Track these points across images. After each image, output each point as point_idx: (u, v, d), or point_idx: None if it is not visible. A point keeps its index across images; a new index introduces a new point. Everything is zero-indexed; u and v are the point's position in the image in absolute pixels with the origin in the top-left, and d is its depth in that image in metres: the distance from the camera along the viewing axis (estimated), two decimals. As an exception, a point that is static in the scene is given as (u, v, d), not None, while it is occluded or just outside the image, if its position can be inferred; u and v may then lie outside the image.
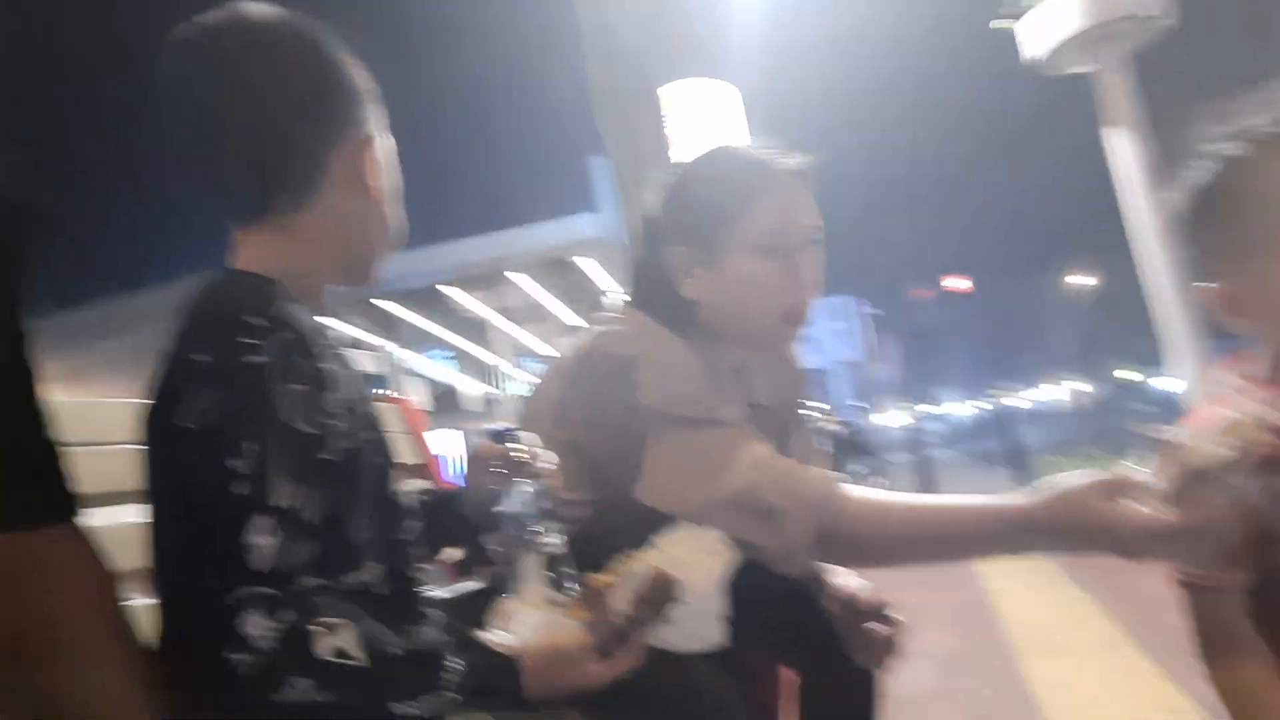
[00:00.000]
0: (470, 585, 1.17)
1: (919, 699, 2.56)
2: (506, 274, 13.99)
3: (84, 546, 0.73)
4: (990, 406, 7.43)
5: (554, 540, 1.03)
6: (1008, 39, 4.30)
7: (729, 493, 1.09)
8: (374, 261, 0.99)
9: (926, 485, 7.41)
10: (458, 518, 1.12)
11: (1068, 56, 4.15)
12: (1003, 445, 7.36)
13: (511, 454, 1.07)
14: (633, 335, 1.21)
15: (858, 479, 8.95)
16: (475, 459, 1.12)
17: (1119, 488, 0.89)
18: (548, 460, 1.08)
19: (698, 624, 1.02)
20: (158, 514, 0.80)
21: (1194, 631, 0.88)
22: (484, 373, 15.73)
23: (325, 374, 0.83)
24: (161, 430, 0.78)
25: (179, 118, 0.90)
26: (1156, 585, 3.02)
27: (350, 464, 0.85)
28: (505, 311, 13.19)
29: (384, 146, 0.97)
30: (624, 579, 0.92)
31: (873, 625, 1.22)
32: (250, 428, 0.76)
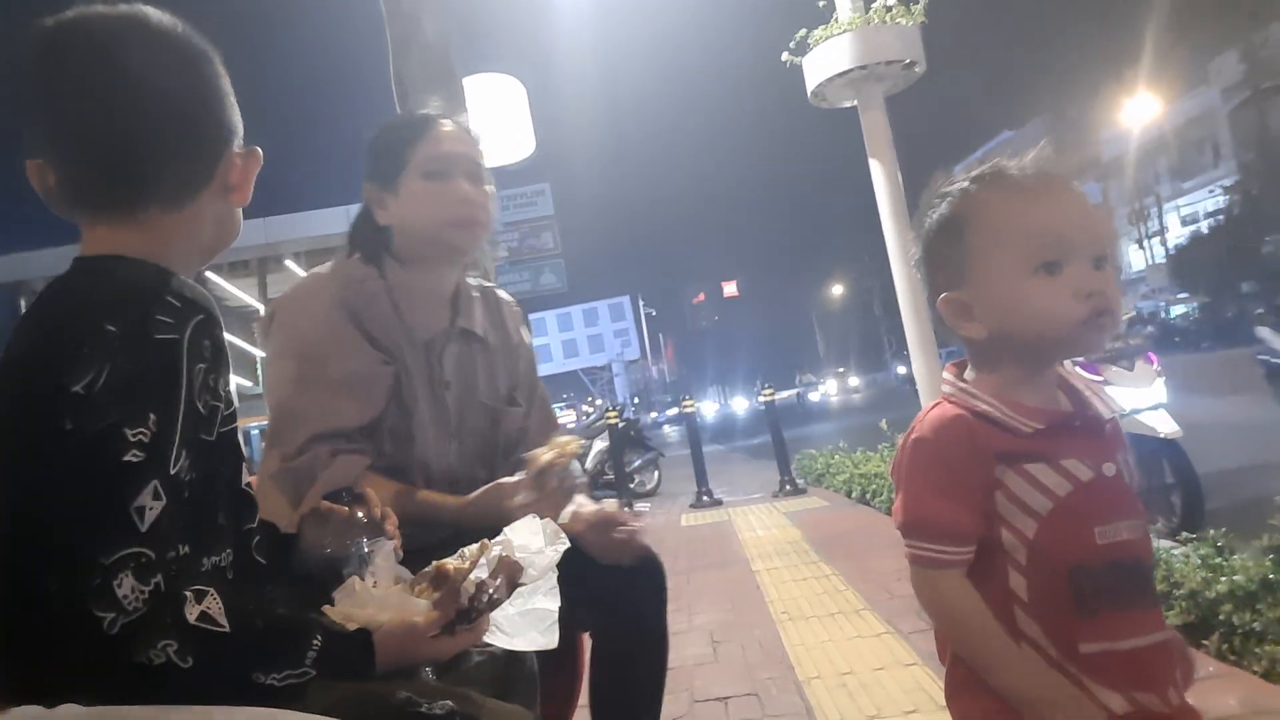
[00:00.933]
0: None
1: (694, 666, 2.80)
2: (286, 261, 13.13)
3: None
4: (760, 403, 7.97)
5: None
6: (795, 73, 4.70)
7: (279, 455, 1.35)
8: (207, 259, 1.00)
9: (700, 473, 7.84)
10: (299, 567, 1.11)
11: (838, 92, 4.63)
12: (771, 439, 7.89)
13: (358, 515, 1.11)
14: (301, 283, 1.50)
15: (638, 471, 9.31)
16: (316, 518, 1.13)
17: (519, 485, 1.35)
18: (390, 518, 1.14)
19: (536, 624, 1.09)
20: (17, 474, 0.77)
21: (931, 601, 0.95)
22: (249, 366, 14.65)
23: (222, 357, 0.87)
24: (48, 392, 0.76)
25: (69, 104, 0.86)
26: (888, 563, 3.46)
27: (222, 447, 0.88)
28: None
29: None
30: (477, 564, 0.98)
31: (617, 533, 1.48)
32: (153, 399, 0.77)
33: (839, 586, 3.59)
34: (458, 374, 1.53)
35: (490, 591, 0.97)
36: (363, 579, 1.02)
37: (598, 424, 9.92)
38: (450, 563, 1.00)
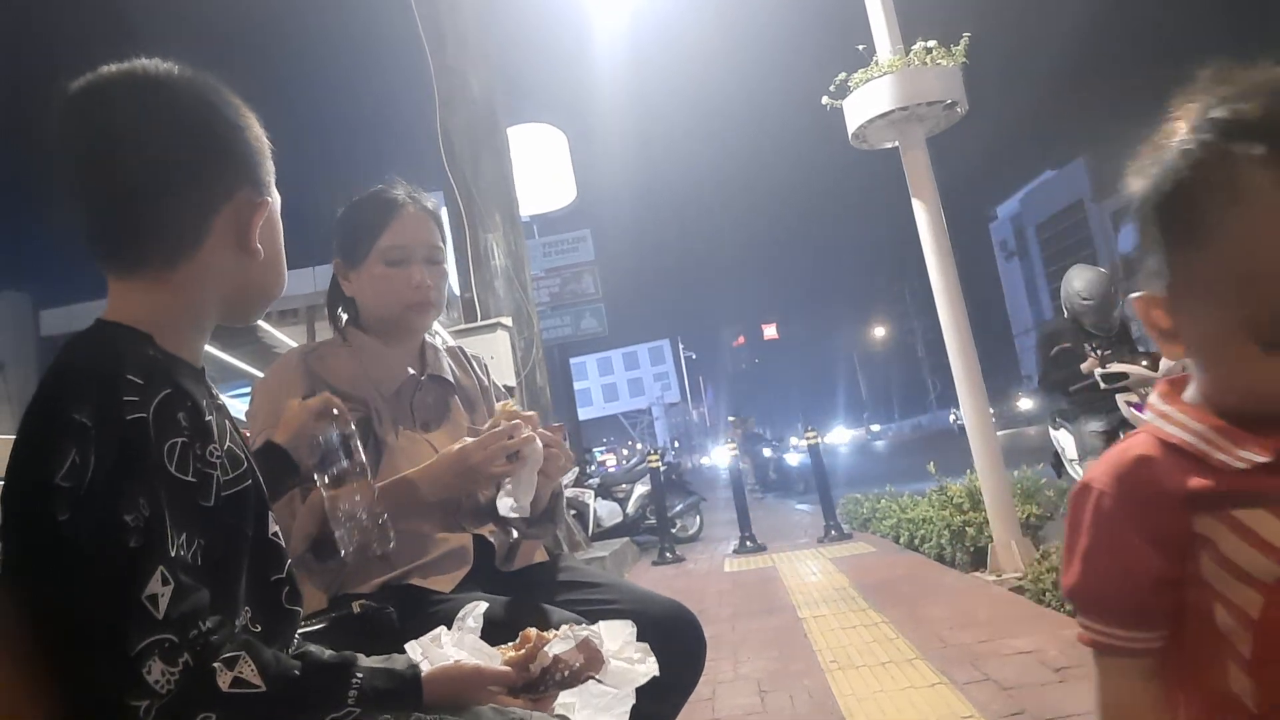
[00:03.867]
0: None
1: (743, 717, 2.73)
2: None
3: None
4: (803, 446, 7.89)
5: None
6: (835, 114, 4.72)
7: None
8: (251, 312, 1.00)
9: (743, 519, 7.74)
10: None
11: (879, 134, 4.63)
12: (815, 484, 7.78)
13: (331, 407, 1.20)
14: (276, 361, 1.62)
15: (679, 515, 9.23)
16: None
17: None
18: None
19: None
20: (25, 566, 0.78)
21: (1098, 699, 0.74)
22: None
23: (202, 424, 0.84)
24: (36, 488, 0.76)
25: (67, 166, 0.88)
26: (939, 610, 3.37)
27: (229, 508, 0.86)
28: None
29: (272, 203, 0.96)
30: (562, 638, 0.99)
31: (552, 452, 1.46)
32: (137, 482, 0.76)
33: (889, 635, 3.49)
34: (433, 414, 1.62)
35: (564, 669, 0.97)
36: (345, 467, 1.10)
37: (639, 468, 9.87)
38: (541, 633, 1.01)
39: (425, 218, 1.65)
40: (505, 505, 1.35)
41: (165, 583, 0.74)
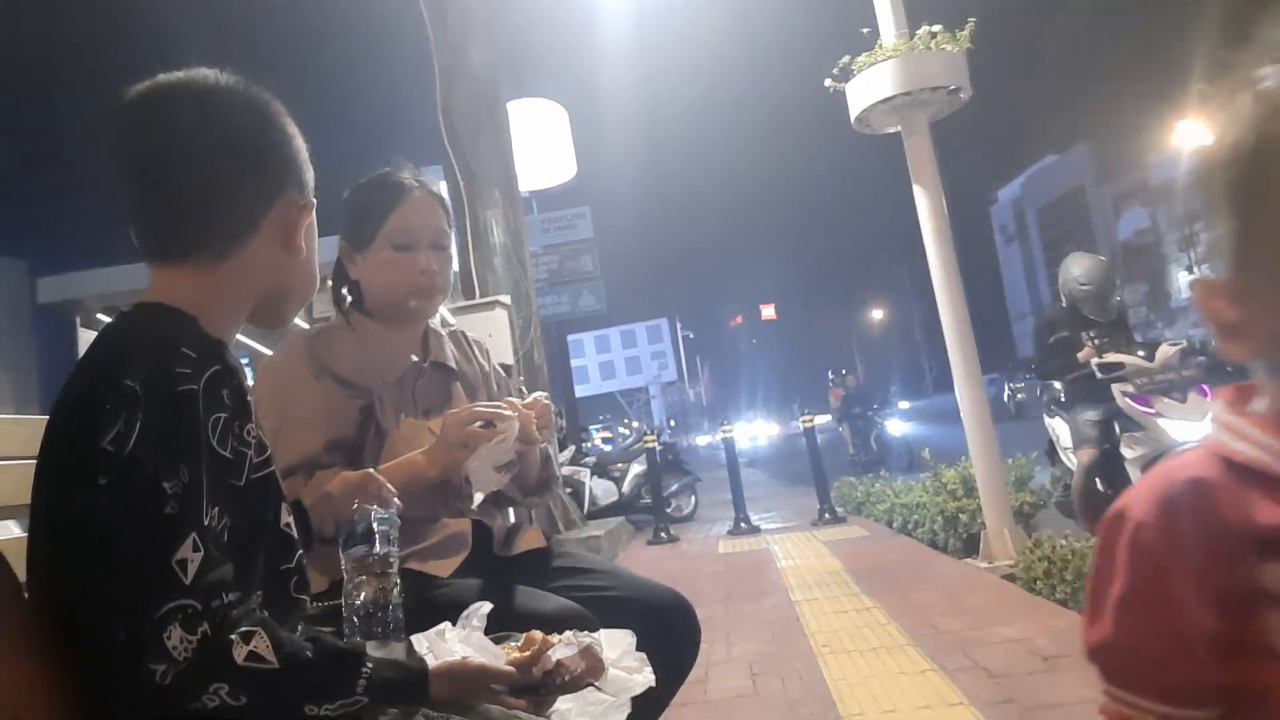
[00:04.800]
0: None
1: (734, 699, 2.76)
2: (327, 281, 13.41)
3: None
4: (800, 428, 7.89)
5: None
6: (837, 97, 4.68)
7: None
8: (286, 311, 1.04)
9: (738, 500, 7.77)
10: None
11: (881, 118, 4.60)
12: (810, 465, 7.81)
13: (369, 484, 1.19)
14: (280, 345, 1.60)
15: (674, 495, 9.26)
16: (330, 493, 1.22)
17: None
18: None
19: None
20: (60, 531, 0.81)
21: None
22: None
23: (244, 404, 0.89)
24: (79, 451, 0.79)
25: (123, 162, 0.93)
26: (931, 597, 3.39)
27: (254, 491, 0.90)
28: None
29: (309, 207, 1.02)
30: (565, 643, 1.01)
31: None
32: (180, 452, 0.79)
33: (881, 620, 3.52)
34: (435, 400, 1.62)
35: (565, 674, 0.99)
36: (389, 534, 1.08)
37: (634, 447, 9.90)
38: (547, 636, 1.03)
39: (432, 202, 1.65)
40: (477, 485, 1.37)
41: (196, 549, 0.77)
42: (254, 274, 0.97)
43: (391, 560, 1.10)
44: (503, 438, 1.35)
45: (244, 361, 1.00)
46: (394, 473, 1.40)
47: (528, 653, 0.99)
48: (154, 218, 0.94)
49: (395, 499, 1.17)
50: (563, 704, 1.03)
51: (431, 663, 0.93)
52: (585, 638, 1.03)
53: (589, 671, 1.01)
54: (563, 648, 0.99)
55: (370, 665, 0.86)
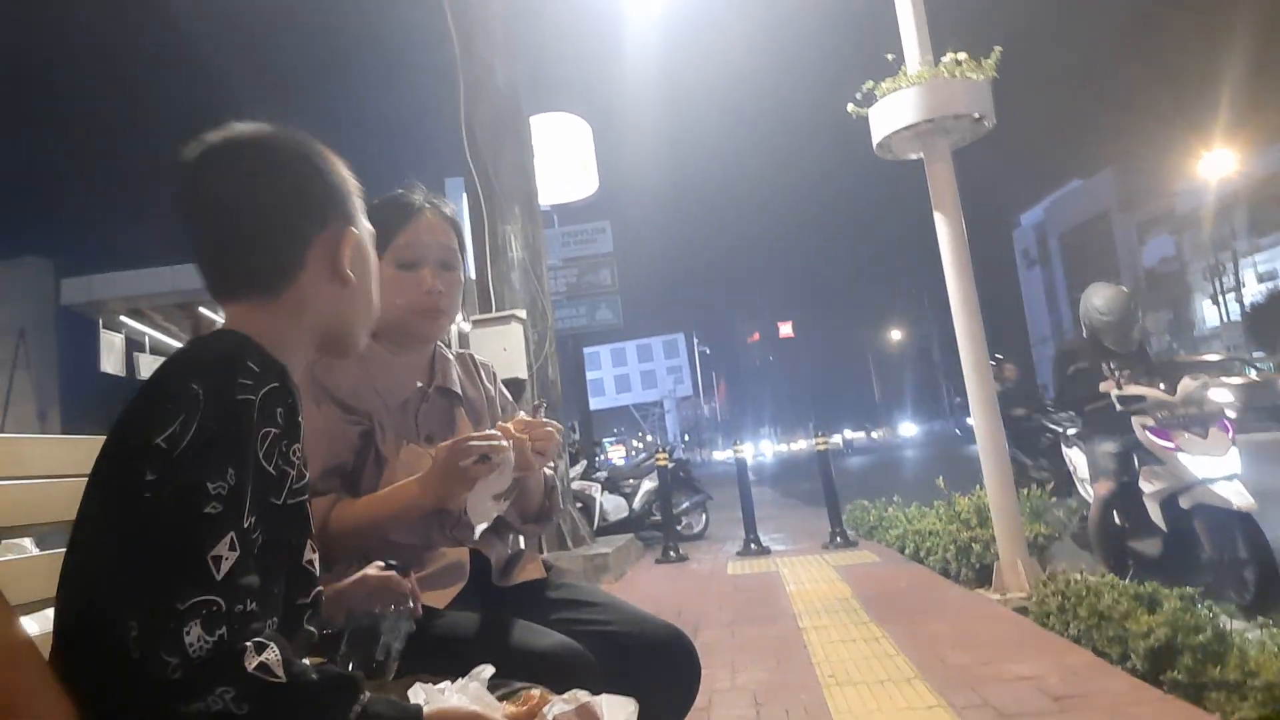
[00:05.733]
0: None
1: (735, 727, 2.73)
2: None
3: None
4: (816, 448, 7.78)
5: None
6: (860, 120, 4.67)
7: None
8: (350, 340, 1.09)
9: (749, 521, 7.72)
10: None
11: (904, 144, 4.59)
12: (822, 485, 7.76)
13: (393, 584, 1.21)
14: None
15: (685, 513, 9.22)
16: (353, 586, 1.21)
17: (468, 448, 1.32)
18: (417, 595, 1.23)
19: None
20: (102, 525, 0.84)
21: None
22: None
23: (295, 424, 0.92)
24: (133, 446, 0.82)
25: (181, 216, 1.00)
26: (941, 627, 3.35)
27: (289, 514, 0.92)
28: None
29: (359, 234, 1.07)
30: (564, 701, 0.99)
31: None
32: (229, 458, 0.82)
33: (889, 651, 3.47)
34: (438, 426, 1.60)
35: None
36: (392, 645, 1.07)
37: (646, 464, 9.87)
38: (544, 693, 1.03)
39: (443, 222, 1.64)
40: (475, 517, 1.35)
41: (233, 549, 0.80)
42: (310, 306, 1.02)
43: (395, 667, 1.12)
44: (499, 471, 1.34)
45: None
46: (388, 499, 1.40)
47: (524, 708, 0.98)
48: (212, 263, 1.01)
49: (418, 612, 1.20)
50: None
51: (427, 709, 0.92)
52: (584, 695, 1.01)
53: None
54: (560, 705, 0.98)
55: (366, 696, 0.86)
